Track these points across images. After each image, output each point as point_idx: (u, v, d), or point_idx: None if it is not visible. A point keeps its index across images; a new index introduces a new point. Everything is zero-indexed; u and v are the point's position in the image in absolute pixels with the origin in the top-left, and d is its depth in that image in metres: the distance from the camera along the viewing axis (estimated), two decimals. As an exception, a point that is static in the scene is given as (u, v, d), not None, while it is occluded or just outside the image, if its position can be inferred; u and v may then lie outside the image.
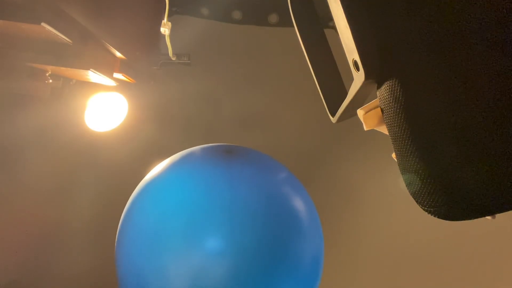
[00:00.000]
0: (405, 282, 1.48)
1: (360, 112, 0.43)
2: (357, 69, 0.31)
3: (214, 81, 1.60)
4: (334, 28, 0.35)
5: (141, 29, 1.16)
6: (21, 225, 1.20)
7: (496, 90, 0.26)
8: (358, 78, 0.32)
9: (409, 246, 1.47)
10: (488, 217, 0.33)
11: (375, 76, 0.31)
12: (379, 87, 0.33)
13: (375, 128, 0.44)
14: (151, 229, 0.53)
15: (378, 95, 0.34)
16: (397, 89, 0.31)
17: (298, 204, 0.58)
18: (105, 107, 1.24)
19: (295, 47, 0.53)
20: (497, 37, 0.26)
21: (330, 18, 0.34)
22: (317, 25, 0.49)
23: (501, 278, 1.42)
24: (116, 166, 1.37)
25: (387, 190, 1.39)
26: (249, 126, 1.58)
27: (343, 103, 0.39)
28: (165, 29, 0.97)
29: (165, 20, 0.96)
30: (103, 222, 1.02)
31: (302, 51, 0.49)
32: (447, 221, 0.31)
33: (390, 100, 0.32)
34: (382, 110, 0.34)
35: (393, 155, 0.36)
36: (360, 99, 0.37)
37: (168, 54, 1.11)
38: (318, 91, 0.47)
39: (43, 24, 0.69)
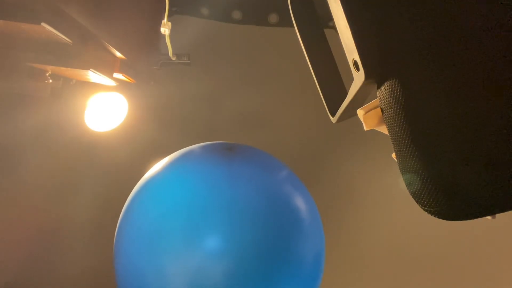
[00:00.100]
0: (405, 282, 1.48)
1: (360, 112, 0.43)
2: (357, 69, 0.31)
3: (214, 81, 1.60)
4: (334, 28, 0.35)
5: (141, 29, 1.16)
6: (21, 224, 1.20)
7: (496, 90, 0.26)
8: (358, 78, 0.32)
9: (409, 246, 1.47)
10: (488, 217, 0.33)
11: (375, 76, 0.31)
12: (379, 87, 0.33)
13: (375, 128, 0.44)
14: (150, 229, 0.52)
15: (378, 95, 0.34)
16: (397, 89, 0.31)
17: (299, 203, 0.58)
18: (105, 107, 1.24)
19: (295, 47, 0.53)
20: (497, 37, 0.26)
21: (330, 18, 0.34)
22: (317, 25, 0.49)
23: (501, 278, 1.42)
24: (116, 166, 1.37)
25: (387, 190, 1.39)
26: (249, 126, 1.58)
27: (343, 103, 0.39)
28: (165, 29, 0.97)
29: (165, 20, 0.96)
30: (103, 222, 1.02)
31: (302, 51, 0.49)
32: (447, 221, 0.31)
33: (390, 100, 0.32)
34: (382, 110, 0.34)
35: (393, 155, 0.36)
36: (360, 99, 0.37)
37: (168, 54, 1.11)
38: (318, 91, 0.47)
39: (43, 24, 0.69)
